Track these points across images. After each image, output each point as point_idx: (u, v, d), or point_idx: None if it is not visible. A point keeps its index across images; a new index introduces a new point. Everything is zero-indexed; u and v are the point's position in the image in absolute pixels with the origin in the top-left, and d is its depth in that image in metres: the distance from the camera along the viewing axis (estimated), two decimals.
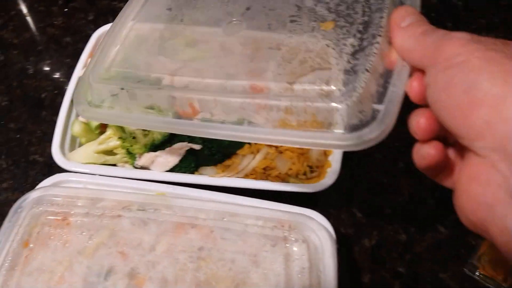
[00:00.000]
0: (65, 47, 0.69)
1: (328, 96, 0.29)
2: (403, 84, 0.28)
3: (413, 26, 0.29)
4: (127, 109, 0.37)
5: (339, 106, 0.29)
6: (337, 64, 0.30)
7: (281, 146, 0.52)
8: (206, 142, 0.51)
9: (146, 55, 0.38)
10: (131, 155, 0.50)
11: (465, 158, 0.27)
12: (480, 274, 0.48)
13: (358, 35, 0.31)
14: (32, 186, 0.54)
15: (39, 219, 0.43)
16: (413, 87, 0.28)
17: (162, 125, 0.36)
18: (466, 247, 0.50)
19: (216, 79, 0.34)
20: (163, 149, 0.50)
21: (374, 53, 0.29)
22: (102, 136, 0.51)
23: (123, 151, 0.50)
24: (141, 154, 0.50)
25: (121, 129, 0.49)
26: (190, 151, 0.50)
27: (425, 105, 0.28)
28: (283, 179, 0.50)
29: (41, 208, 0.43)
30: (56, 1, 0.75)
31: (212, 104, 0.33)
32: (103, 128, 0.52)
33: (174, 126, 0.36)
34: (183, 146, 0.50)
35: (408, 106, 0.29)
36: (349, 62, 0.30)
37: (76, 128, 0.51)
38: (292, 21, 0.34)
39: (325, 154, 0.51)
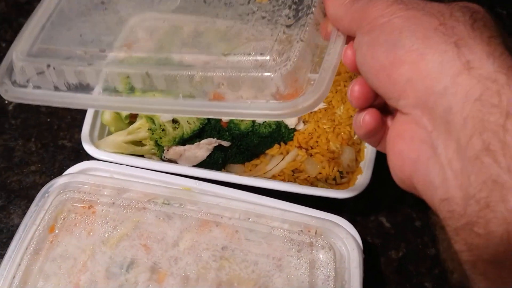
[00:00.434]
0: None
1: (262, 66, 0.29)
2: (337, 53, 0.29)
3: None
4: (55, 88, 0.35)
5: (273, 75, 0.29)
6: (272, 35, 0.30)
7: (311, 149, 0.50)
8: (235, 139, 0.50)
9: (75, 32, 0.37)
10: (159, 147, 0.50)
11: (394, 119, 0.27)
12: None
13: (294, 6, 0.31)
14: (59, 171, 0.54)
15: (66, 205, 0.43)
16: (347, 55, 0.28)
17: (90, 102, 0.35)
18: None
19: (147, 53, 0.34)
20: (192, 143, 0.50)
21: (309, 23, 0.30)
22: (132, 126, 0.50)
23: (152, 142, 0.50)
24: (169, 147, 0.50)
25: (152, 120, 0.49)
26: (219, 148, 0.50)
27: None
28: (311, 183, 0.49)
29: (68, 195, 0.43)
30: None
31: (145, 78, 0.33)
32: (133, 118, 0.51)
33: (102, 103, 0.35)
34: (212, 142, 0.49)
35: None
36: (284, 32, 0.31)
37: (106, 116, 0.51)
38: None
39: (357, 159, 0.50)
